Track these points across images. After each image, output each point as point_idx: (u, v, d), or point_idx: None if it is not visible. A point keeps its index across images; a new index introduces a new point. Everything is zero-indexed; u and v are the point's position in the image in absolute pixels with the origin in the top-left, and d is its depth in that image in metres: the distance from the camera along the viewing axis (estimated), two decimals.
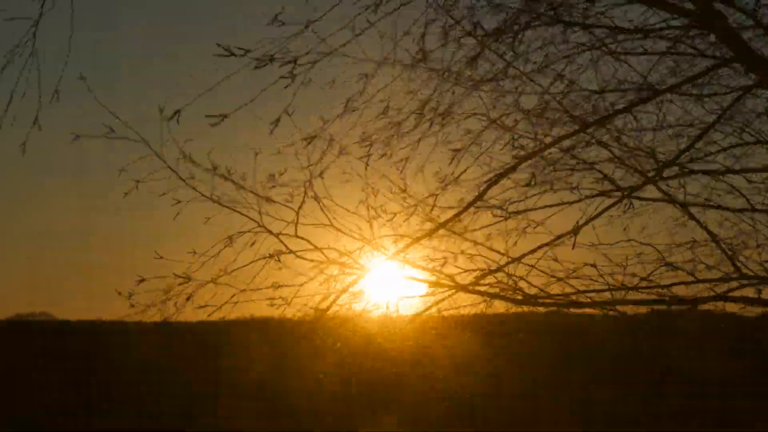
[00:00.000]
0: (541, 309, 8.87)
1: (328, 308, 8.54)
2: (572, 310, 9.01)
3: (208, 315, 8.59)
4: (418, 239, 8.37)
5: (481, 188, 8.10)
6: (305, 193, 8.42)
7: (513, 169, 8.11)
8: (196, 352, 26.98)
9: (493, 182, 7.98)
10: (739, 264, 8.78)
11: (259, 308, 8.61)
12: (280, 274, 8.51)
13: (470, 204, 8.17)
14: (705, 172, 8.97)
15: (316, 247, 8.50)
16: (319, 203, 8.50)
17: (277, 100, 8.01)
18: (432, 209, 8.53)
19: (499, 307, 8.97)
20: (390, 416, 23.30)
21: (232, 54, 7.50)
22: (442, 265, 8.76)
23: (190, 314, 8.68)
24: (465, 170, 8.52)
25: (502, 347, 20.57)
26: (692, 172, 8.88)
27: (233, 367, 25.05)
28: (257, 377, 24.47)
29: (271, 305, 8.53)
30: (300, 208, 8.43)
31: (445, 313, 9.45)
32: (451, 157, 8.40)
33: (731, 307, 8.90)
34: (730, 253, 8.83)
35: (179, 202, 8.30)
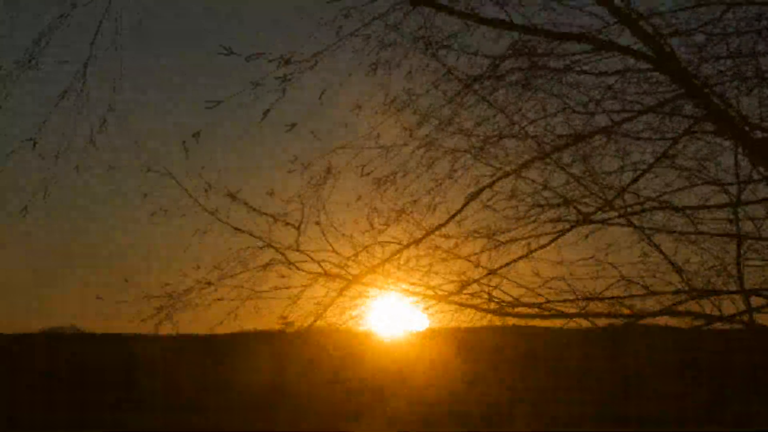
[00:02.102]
0: (511, 320, 8.79)
1: (317, 318, 8.47)
2: (538, 322, 8.90)
3: (220, 322, 8.55)
4: (407, 246, 8.31)
5: (464, 202, 8.11)
6: (303, 212, 8.40)
7: (490, 185, 8.14)
8: (205, 360, 26.89)
9: (473, 197, 8.00)
10: (687, 279, 8.76)
11: (261, 322, 8.59)
12: (282, 282, 8.50)
13: (454, 215, 8.18)
14: (662, 208, 8.92)
15: (313, 260, 8.44)
16: (320, 226, 8.48)
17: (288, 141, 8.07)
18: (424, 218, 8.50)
19: (475, 318, 8.89)
20: (374, 417, 23.23)
21: (232, 53, 7.52)
22: (427, 276, 8.71)
23: (202, 325, 8.66)
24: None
25: (476, 358, 20.49)
26: (653, 208, 8.86)
27: (238, 373, 25.01)
28: (258, 383, 24.44)
29: (283, 324, 8.51)
30: (300, 226, 8.40)
31: (427, 326, 9.38)
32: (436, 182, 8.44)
33: (678, 322, 8.85)
34: (679, 269, 8.80)
35: (204, 232, 8.35)
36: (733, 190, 8.71)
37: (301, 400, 23.87)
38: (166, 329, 8.63)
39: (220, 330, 8.61)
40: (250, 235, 8.47)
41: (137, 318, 8.57)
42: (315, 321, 8.50)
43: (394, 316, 9.14)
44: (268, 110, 7.72)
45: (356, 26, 7.74)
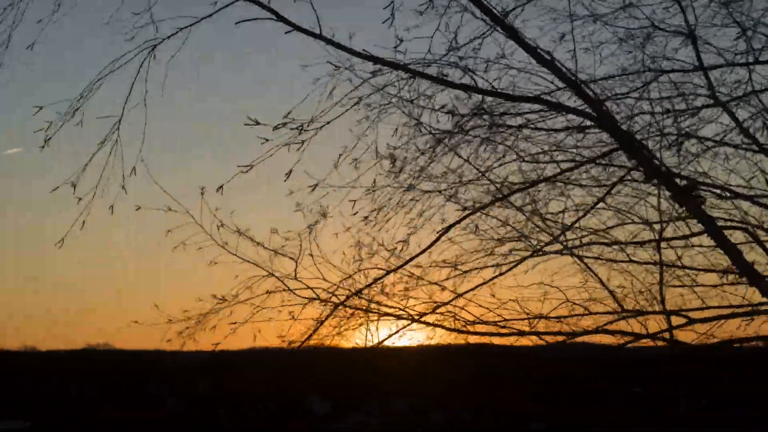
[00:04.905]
0: (473, 338, 8.62)
1: (311, 336, 8.25)
2: (496, 340, 8.73)
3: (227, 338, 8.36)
4: (389, 272, 8.14)
5: (437, 235, 7.98)
6: (300, 246, 8.21)
7: (458, 222, 8.00)
8: (214, 369, 26.92)
9: (444, 231, 7.86)
10: (620, 302, 8.67)
11: (262, 338, 8.45)
12: (283, 308, 8.30)
13: (428, 247, 8.02)
14: (600, 243, 8.82)
15: (308, 287, 8.26)
16: (313, 259, 8.27)
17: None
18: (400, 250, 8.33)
19: (444, 336, 8.73)
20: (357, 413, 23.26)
21: (258, 123, 7.31)
22: (404, 300, 8.55)
23: (214, 340, 8.46)
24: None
25: (444, 368, 20.54)
26: (592, 243, 8.78)
27: (244, 380, 25.04)
28: (261, 387, 24.51)
29: (283, 340, 8.33)
30: (298, 258, 8.21)
31: (401, 343, 9.20)
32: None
33: (609, 339, 8.70)
34: (614, 293, 8.73)
35: (216, 263, 8.15)
36: (657, 227, 8.67)
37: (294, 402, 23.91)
38: (189, 347, 8.47)
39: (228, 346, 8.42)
40: (256, 265, 8.22)
41: (163, 339, 8.35)
42: (308, 338, 8.29)
43: (375, 334, 8.93)
44: (290, 170, 7.61)
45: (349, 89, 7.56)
